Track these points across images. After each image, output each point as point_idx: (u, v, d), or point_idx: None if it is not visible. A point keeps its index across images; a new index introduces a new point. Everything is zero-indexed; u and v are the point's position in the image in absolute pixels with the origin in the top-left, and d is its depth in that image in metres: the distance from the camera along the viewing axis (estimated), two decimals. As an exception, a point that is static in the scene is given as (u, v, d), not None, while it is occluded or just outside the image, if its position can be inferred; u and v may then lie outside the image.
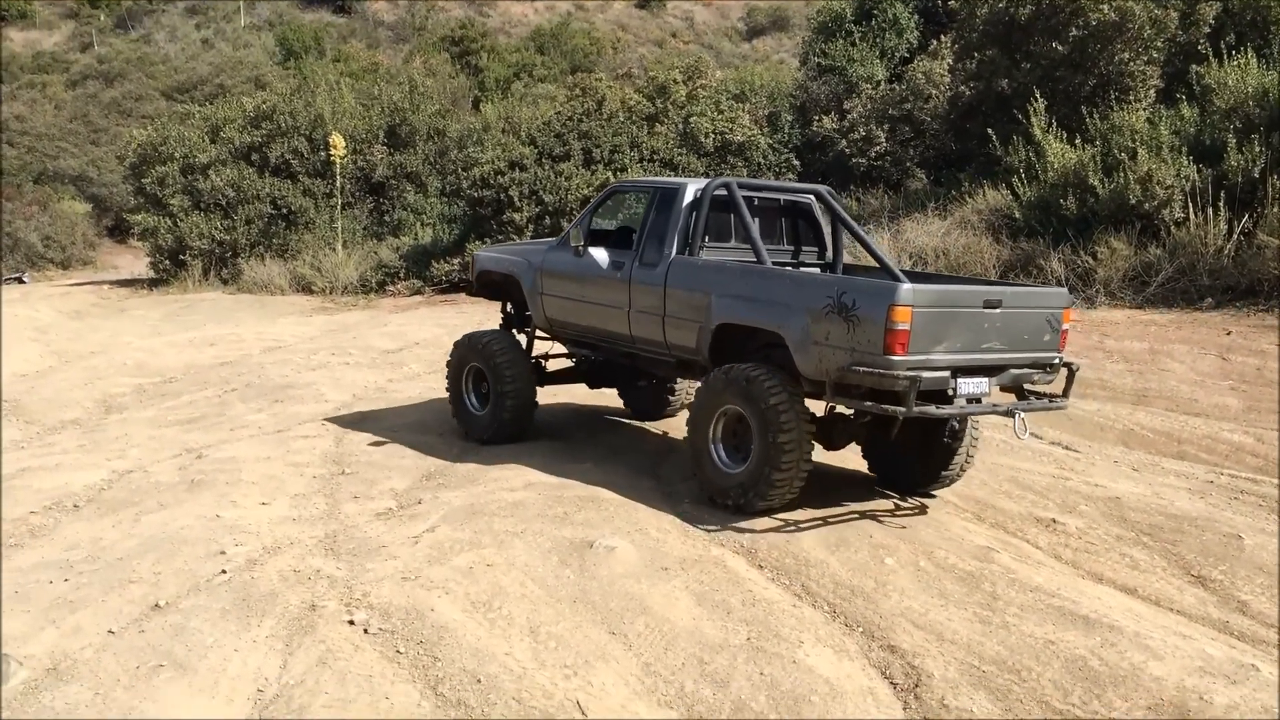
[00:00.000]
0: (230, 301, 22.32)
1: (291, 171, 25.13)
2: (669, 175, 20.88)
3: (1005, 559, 6.52)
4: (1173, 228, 14.83)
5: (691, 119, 23.58)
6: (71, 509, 7.95)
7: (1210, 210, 14.34)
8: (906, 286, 6.56)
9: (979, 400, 6.96)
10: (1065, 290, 7.67)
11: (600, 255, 8.63)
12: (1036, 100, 17.11)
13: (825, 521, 7.21)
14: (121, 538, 7.14)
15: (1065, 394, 7.35)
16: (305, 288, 22.84)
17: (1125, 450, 9.22)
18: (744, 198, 8.17)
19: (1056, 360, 7.26)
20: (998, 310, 6.85)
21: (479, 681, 5.03)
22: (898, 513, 7.57)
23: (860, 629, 5.64)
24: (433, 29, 57.72)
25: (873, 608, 5.86)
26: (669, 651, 5.36)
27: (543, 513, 7.22)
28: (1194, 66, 16.98)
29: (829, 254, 9.09)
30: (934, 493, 7.98)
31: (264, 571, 6.36)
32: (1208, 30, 17.65)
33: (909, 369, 6.46)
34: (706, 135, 23.21)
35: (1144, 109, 17.00)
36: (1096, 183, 15.56)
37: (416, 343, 15.56)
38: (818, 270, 8.87)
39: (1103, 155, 15.94)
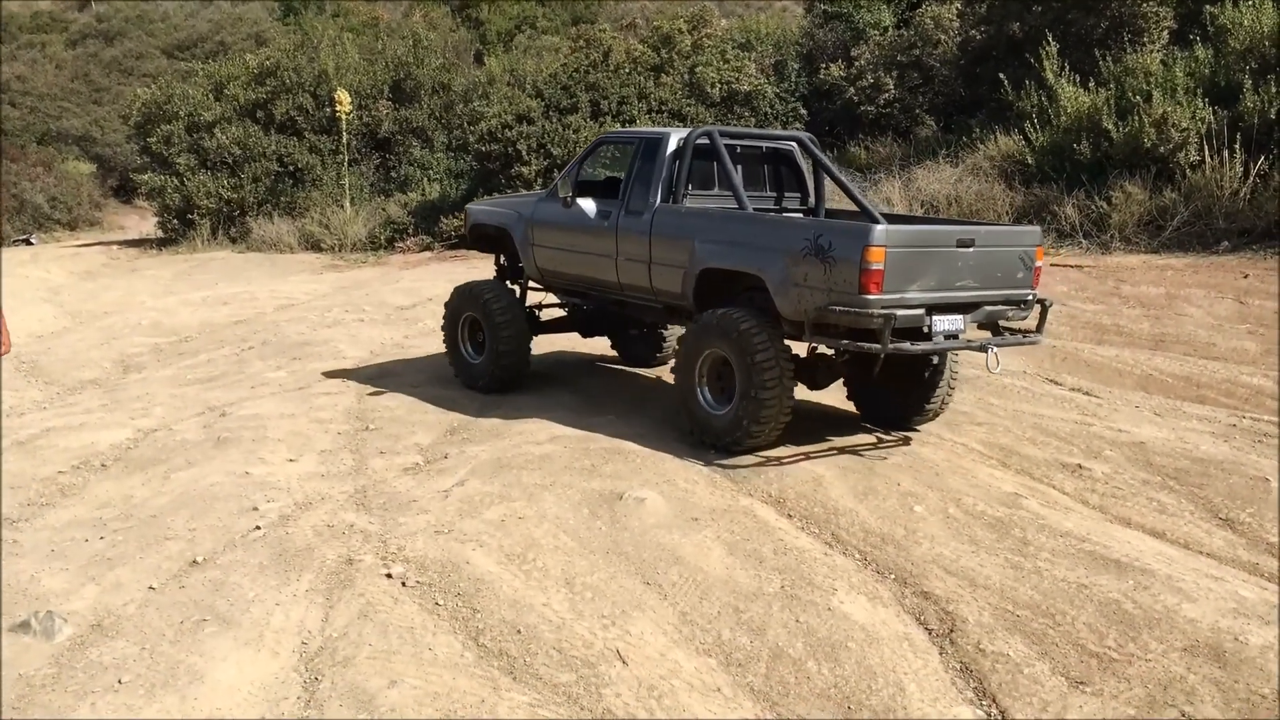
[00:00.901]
0: (240, 260, 22.27)
1: (297, 128, 24.95)
2: (677, 126, 20.73)
3: (1033, 505, 6.55)
4: (1188, 171, 14.74)
5: (697, 69, 23.37)
6: (99, 467, 8.00)
7: (1226, 153, 14.25)
8: (880, 228, 6.80)
9: (955, 337, 7.16)
10: (1038, 228, 7.90)
11: (588, 205, 8.81)
12: (1048, 44, 16.95)
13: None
14: (152, 495, 7.20)
15: (1039, 329, 7.62)
16: (314, 245, 22.75)
17: (1145, 395, 9.23)
18: (727, 146, 8.41)
19: (1030, 297, 7.50)
20: (971, 249, 7.09)
21: (519, 632, 5.09)
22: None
23: (892, 576, 5.68)
24: (432, -19, 57.00)
25: (904, 555, 5.90)
26: (704, 600, 5.41)
27: (570, 465, 7.26)
28: (1207, 7, 16.77)
29: (811, 199, 9.34)
30: (918, 427, 8.25)
31: (298, 527, 6.41)
32: (1222, -30, 17.44)
33: (884, 307, 6.69)
34: (713, 85, 23.01)
35: (1157, 51, 16.85)
36: (1110, 127, 15.46)
37: (429, 298, 15.53)
38: (800, 215, 9.03)
39: (1116, 99, 15.83)
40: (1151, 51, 16.69)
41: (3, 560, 6.15)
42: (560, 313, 10.29)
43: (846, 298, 6.76)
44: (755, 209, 8.34)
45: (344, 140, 24.28)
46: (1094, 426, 8.22)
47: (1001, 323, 7.62)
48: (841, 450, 7.71)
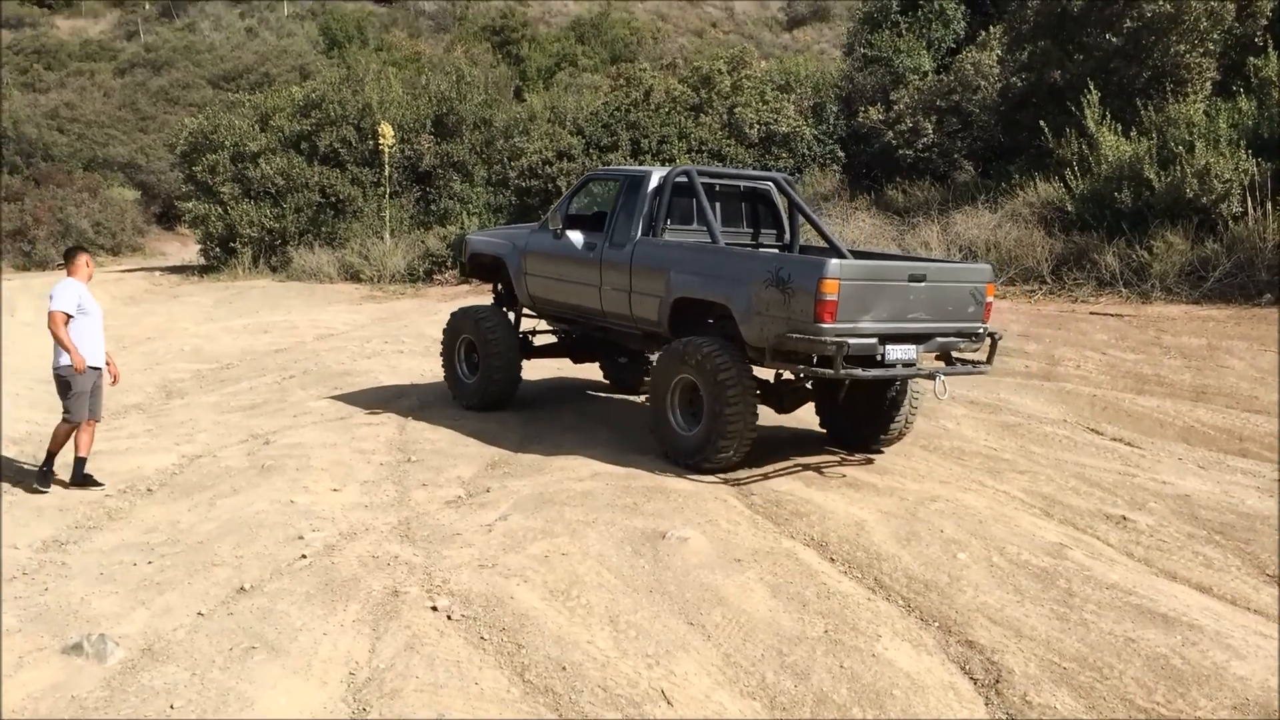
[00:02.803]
0: (280, 289, 22.53)
1: (340, 160, 25.31)
2: (716, 165, 20.88)
3: (1078, 555, 6.51)
4: (1230, 222, 14.72)
5: (736, 110, 23.55)
6: (146, 492, 8.11)
7: (1269, 205, 14.20)
8: (834, 262, 7.32)
9: (911, 365, 7.65)
10: (989, 266, 8.49)
11: (576, 237, 9.38)
12: (1090, 92, 16.99)
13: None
14: (199, 521, 7.28)
15: (989, 360, 8.17)
16: (353, 276, 23.01)
17: (1188, 447, 9.16)
18: (705, 184, 9.12)
19: (981, 330, 8.03)
20: (922, 284, 7.60)
21: (564, 669, 5.10)
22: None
23: (936, 624, 5.66)
24: (473, 18, 57.89)
25: (948, 603, 5.88)
26: (748, 643, 5.41)
27: (612, 502, 7.29)
28: (1251, 59, 16.79)
29: (787, 235, 9.92)
30: (883, 449, 8.82)
31: (343, 557, 6.46)
32: (1265, 22, 17.46)
33: (838, 335, 7.18)
34: (751, 126, 23.19)
35: (1200, 101, 16.84)
36: (1152, 176, 15.45)
37: (468, 331, 15.63)
38: (776, 250, 9.55)
39: (1158, 148, 15.82)
40: (1194, 102, 16.69)
41: (51, 583, 6.24)
42: (553, 339, 10.85)
43: (803, 325, 7.27)
44: (731, 244, 8.99)
45: (385, 173, 24.60)
46: (1137, 478, 8.17)
47: (954, 354, 8.15)
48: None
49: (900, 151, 21.80)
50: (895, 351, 7.52)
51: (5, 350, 13.71)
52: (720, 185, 9.66)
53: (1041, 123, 17.80)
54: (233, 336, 16.38)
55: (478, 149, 25.87)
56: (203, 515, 7.41)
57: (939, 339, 7.84)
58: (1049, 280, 15.98)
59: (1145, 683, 5.01)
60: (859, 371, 7.36)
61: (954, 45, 24.02)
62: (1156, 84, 17.55)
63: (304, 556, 6.49)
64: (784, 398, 8.71)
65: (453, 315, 10.71)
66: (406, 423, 10.01)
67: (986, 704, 4.91)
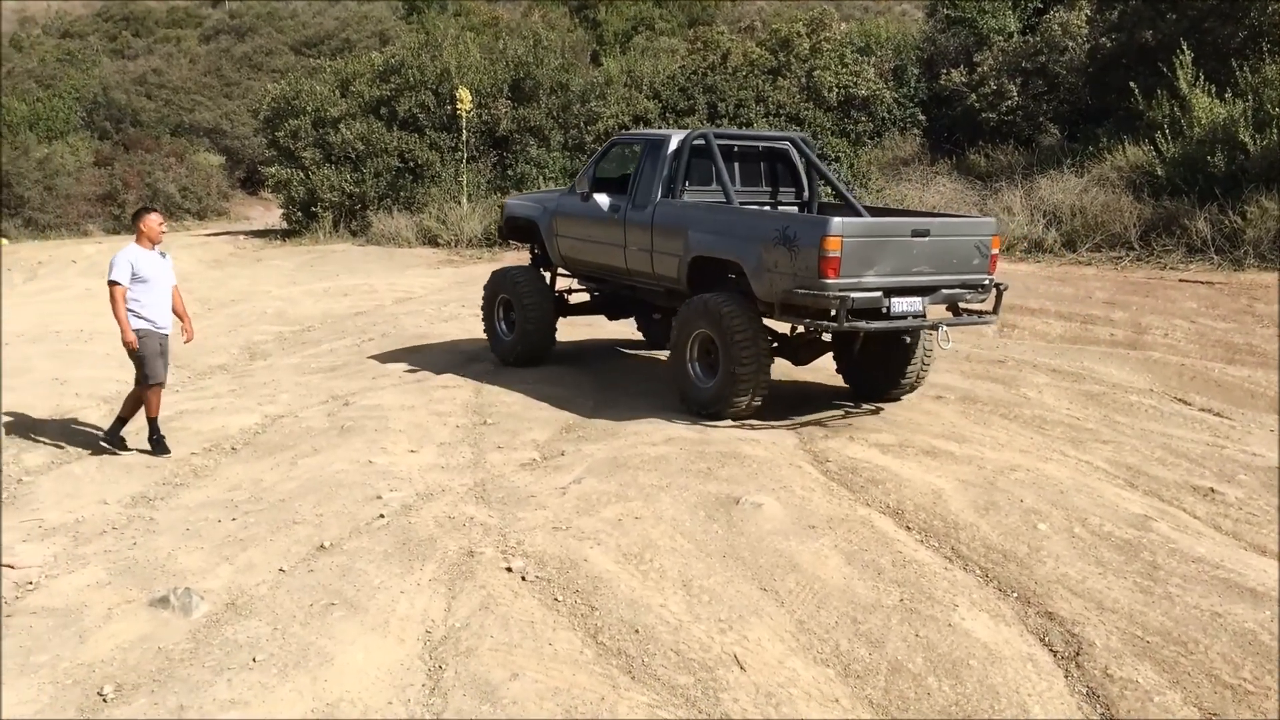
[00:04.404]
0: (360, 253, 22.80)
1: (418, 125, 25.39)
2: (794, 129, 20.64)
3: (1163, 528, 6.35)
4: (1330, 187, 14.17)
5: (815, 73, 23.21)
6: (230, 451, 8.30)
7: (1371, 169, 13.65)
8: (837, 220, 7.62)
9: (919, 317, 7.99)
10: (993, 220, 8.91)
11: (602, 200, 9.69)
12: (1183, 52, 16.45)
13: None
14: (281, 480, 7.43)
15: (995, 311, 8.49)
16: (431, 240, 23.16)
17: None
18: (724, 146, 9.54)
19: (987, 281, 8.33)
20: (926, 238, 7.89)
21: (637, 632, 5.12)
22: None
23: (1015, 594, 5.57)
24: (551, -18, 57.65)
25: (1027, 573, 5.78)
26: (821, 610, 5.37)
27: (686, 468, 7.27)
28: (1356, 17, 16.12)
29: (805, 194, 10.21)
30: (898, 399, 9.15)
31: (420, 517, 6.55)
32: (1372, -22, 16.73)
33: (841, 290, 7.51)
34: (830, 90, 22.85)
35: (1300, 62, 16.21)
36: (1247, 139, 14.95)
37: (543, 296, 15.68)
38: (794, 209, 10.02)
39: (1254, 110, 15.28)
40: (1293, 62, 16.06)
41: (139, 538, 6.42)
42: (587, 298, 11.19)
43: (809, 281, 7.59)
44: (748, 204, 9.37)
45: (463, 138, 24.67)
46: (1226, 449, 7.95)
47: (961, 305, 8.45)
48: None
49: (983, 115, 21.36)
50: (901, 304, 7.85)
51: (90, 313, 14.08)
52: (739, 146, 9.99)
53: (1131, 84, 17.28)
54: (314, 300, 16.64)
55: (554, 114, 25.76)
56: (284, 474, 7.56)
57: (944, 291, 8.15)
58: (1137, 247, 15.55)
59: (1232, 658, 4.88)
60: (863, 324, 7.72)
61: (1041, 5, 23.38)
62: (1253, 44, 16.93)
63: (382, 516, 6.60)
64: (799, 351, 9.13)
65: (492, 275, 11.16)
66: (482, 386, 10.10)
67: (1066, 676, 4.83)
